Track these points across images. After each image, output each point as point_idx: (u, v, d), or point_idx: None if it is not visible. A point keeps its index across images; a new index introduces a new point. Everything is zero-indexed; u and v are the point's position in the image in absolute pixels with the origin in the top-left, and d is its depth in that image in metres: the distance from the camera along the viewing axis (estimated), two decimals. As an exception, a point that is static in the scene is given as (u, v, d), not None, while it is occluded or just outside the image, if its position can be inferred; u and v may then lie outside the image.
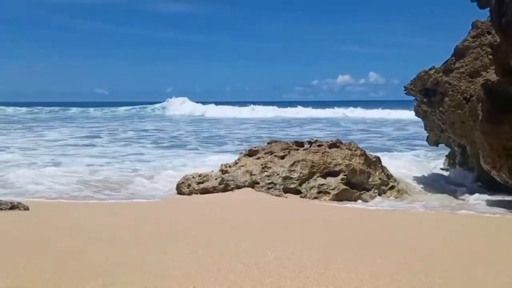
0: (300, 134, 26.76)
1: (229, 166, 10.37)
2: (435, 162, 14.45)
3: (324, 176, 9.93)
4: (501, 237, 5.98)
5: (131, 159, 15.72)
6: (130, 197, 9.61)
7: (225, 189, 9.67)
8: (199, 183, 10.06)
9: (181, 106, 60.38)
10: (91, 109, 63.93)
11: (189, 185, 10.10)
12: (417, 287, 3.77)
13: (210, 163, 13.43)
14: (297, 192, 9.70)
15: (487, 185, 9.91)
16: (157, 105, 66.46)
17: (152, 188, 10.83)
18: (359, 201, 9.62)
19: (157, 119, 46.52)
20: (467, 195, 9.84)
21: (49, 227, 5.80)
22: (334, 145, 10.52)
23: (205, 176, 10.24)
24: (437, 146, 13.51)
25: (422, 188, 11.10)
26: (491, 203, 8.74)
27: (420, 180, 11.81)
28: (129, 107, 69.82)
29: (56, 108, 68.15)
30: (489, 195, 9.44)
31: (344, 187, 9.81)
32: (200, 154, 17.18)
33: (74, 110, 64.43)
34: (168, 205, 8.47)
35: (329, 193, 9.69)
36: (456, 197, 9.91)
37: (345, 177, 9.90)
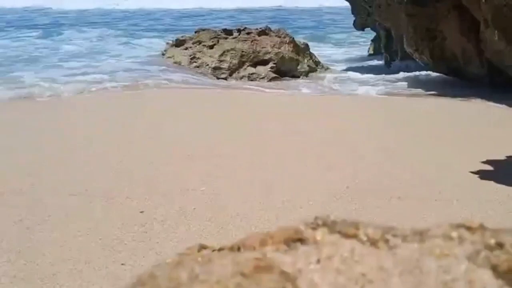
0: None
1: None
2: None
3: (254, 65, 9.88)
4: (424, 118, 6.36)
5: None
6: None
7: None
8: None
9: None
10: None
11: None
12: (345, 168, 4.00)
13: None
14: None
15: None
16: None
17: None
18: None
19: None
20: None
21: None
22: (263, 32, 10.36)
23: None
24: (363, 30, 13.64)
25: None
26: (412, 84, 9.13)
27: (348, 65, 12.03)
28: None
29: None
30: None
31: (274, 75, 9.85)
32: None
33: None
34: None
35: (259, 81, 9.71)
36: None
37: (274, 65, 9.90)
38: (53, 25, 20.49)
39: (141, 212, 3.15)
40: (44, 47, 13.38)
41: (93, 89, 7.85)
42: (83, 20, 22.58)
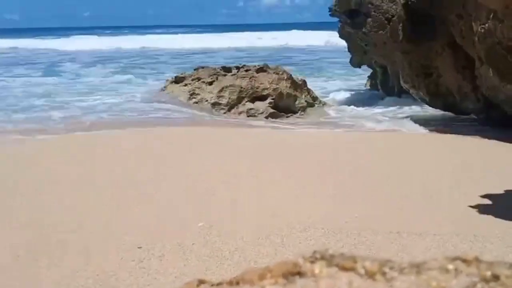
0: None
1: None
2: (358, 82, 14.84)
3: (253, 100, 9.98)
4: (417, 152, 6.39)
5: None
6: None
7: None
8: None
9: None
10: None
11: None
12: (342, 203, 3.99)
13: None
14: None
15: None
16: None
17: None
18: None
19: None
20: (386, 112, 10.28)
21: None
22: (261, 69, 10.51)
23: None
24: (360, 67, 13.84)
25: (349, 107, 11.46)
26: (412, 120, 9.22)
27: (346, 101, 12.15)
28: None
29: None
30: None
31: (272, 110, 9.94)
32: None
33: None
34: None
35: (257, 117, 9.79)
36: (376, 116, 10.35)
37: (272, 101, 10.01)
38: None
39: (139, 247, 3.12)
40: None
41: (87, 123, 7.94)
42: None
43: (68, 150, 6.16)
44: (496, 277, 0.57)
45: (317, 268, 0.64)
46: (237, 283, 0.73)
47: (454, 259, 0.60)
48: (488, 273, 0.57)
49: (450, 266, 0.59)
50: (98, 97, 11.27)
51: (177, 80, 10.35)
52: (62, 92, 11.73)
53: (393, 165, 5.43)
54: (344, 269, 0.62)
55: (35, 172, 5.05)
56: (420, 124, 8.39)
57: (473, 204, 3.94)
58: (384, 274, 0.61)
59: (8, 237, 3.29)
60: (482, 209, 3.86)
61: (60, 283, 2.68)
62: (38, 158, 5.76)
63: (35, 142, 6.76)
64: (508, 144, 6.43)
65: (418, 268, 0.60)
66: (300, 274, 0.64)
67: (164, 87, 10.38)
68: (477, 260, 0.59)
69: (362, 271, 0.61)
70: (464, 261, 0.59)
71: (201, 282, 0.84)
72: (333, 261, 0.65)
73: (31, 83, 13.64)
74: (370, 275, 0.61)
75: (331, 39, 24.67)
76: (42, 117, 8.55)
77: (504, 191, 4.30)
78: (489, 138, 6.81)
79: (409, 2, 8.80)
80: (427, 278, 0.58)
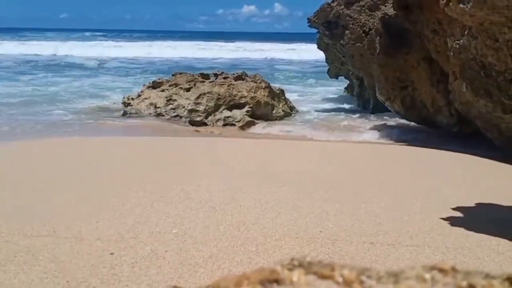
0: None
1: (132, 99, 10.05)
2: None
3: (230, 108, 9.98)
4: (389, 164, 6.47)
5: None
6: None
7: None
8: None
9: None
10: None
11: (90, 119, 9.70)
12: (316, 213, 4.01)
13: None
14: (203, 124, 9.69)
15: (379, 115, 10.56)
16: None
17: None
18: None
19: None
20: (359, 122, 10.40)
21: None
22: (240, 77, 10.52)
23: (106, 108, 9.87)
24: (337, 78, 14.00)
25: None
26: (381, 133, 9.35)
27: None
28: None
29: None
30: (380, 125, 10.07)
31: (249, 119, 9.95)
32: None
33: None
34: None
35: (234, 125, 9.78)
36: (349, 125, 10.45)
37: (250, 109, 10.02)
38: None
39: (111, 254, 3.07)
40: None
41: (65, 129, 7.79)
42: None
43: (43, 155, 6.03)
44: (472, 287, 0.57)
45: (295, 275, 0.63)
46: (213, 290, 0.72)
47: (431, 268, 0.60)
48: (464, 283, 0.58)
49: (427, 276, 0.59)
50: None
51: (154, 86, 10.28)
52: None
53: (367, 176, 5.49)
54: (323, 276, 0.62)
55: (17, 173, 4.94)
56: (393, 136, 8.51)
57: (445, 216, 4.00)
58: (361, 282, 0.61)
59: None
60: (453, 221, 3.92)
61: (28, 289, 2.62)
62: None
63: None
64: (480, 158, 6.57)
65: (395, 277, 0.60)
66: (278, 281, 0.64)
67: (141, 91, 10.30)
68: (454, 269, 0.60)
69: (340, 279, 0.61)
70: (441, 270, 0.60)
71: (176, 289, 0.83)
72: (311, 268, 0.64)
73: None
74: (348, 283, 0.61)
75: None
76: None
77: (475, 204, 4.38)
78: (462, 152, 6.95)
79: (387, 16, 8.95)
80: (405, 287, 0.58)
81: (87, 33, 63.33)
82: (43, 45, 37.00)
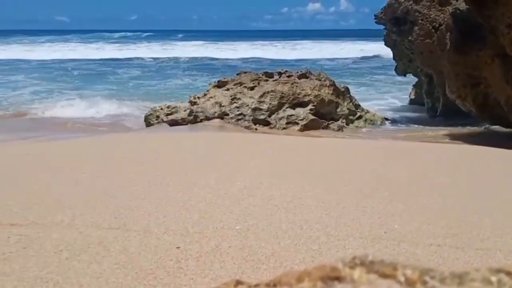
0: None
1: (198, 98, 10.27)
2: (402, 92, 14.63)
3: (293, 106, 9.97)
4: (459, 165, 6.22)
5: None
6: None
7: (194, 121, 9.63)
8: (167, 114, 9.98)
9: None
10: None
11: (158, 116, 10.02)
12: (381, 213, 3.93)
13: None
14: (266, 123, 9.75)
15: (450, 114, 10.17)
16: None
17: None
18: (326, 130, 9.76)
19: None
20: (430, 125, 10.08)
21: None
22: (304, 75, 10.49)
23: (174, 107, 10.15)
24: (405, 76, 13.62)
25: (389, 118, 11.30)
26: (452, 135, 9.01)
27: (388, 110, 11.99)
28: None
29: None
30: (450, 126, 9.71)
31: (313, 117, 9.89)
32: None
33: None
34: (129, 137, 8.42)
35: (297, 123, 9.77)
36: (421, 129, 10.15)
37: (314, 107, 9.96)
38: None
39: (177, 247, 3.17)
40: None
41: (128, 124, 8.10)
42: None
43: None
44: (542, 292, 0.55)
45: (357, 273, 0.63)
46: (275, 285, 0.74)
47: (498, 271, 0.59)
48: (534, 287, 0.56)
49: (493, 278, 0.57)
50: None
51: (220, 85, 10.47)
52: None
53: (436, 179, 5.31)
54: (384, 276, 0.62)
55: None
56: (464, 140, 8.18)
57: (519, 220, 3.80)
58: (424, 283, 0.60)
59: (49, 233, 3.40)
60: (529, 225, 3.71)
61: (99, 279, 2.75)
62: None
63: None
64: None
65: (460, 278, 0.59)
66: (338, 278, 0.64)
67: (207, 91, 10.51)
68: (522, 273, 0.58)
69: (402, 279, 0.61)
70: (508, 273, 0.58)
71: (239, 282, 0.85)
72: (373, 267, 0.64)
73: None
74: (410, 283, 0.60)
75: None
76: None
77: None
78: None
79: (458, 11, 8.60)
80: (469, 289, 0.57)
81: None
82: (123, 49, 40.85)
